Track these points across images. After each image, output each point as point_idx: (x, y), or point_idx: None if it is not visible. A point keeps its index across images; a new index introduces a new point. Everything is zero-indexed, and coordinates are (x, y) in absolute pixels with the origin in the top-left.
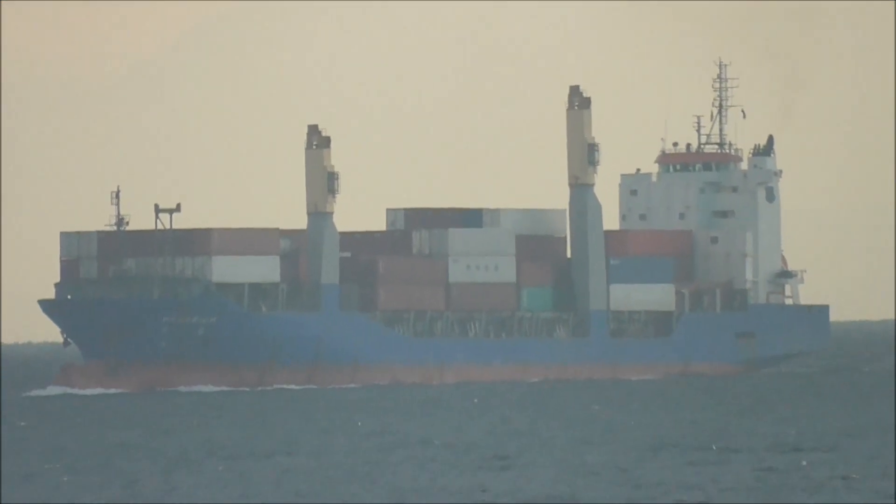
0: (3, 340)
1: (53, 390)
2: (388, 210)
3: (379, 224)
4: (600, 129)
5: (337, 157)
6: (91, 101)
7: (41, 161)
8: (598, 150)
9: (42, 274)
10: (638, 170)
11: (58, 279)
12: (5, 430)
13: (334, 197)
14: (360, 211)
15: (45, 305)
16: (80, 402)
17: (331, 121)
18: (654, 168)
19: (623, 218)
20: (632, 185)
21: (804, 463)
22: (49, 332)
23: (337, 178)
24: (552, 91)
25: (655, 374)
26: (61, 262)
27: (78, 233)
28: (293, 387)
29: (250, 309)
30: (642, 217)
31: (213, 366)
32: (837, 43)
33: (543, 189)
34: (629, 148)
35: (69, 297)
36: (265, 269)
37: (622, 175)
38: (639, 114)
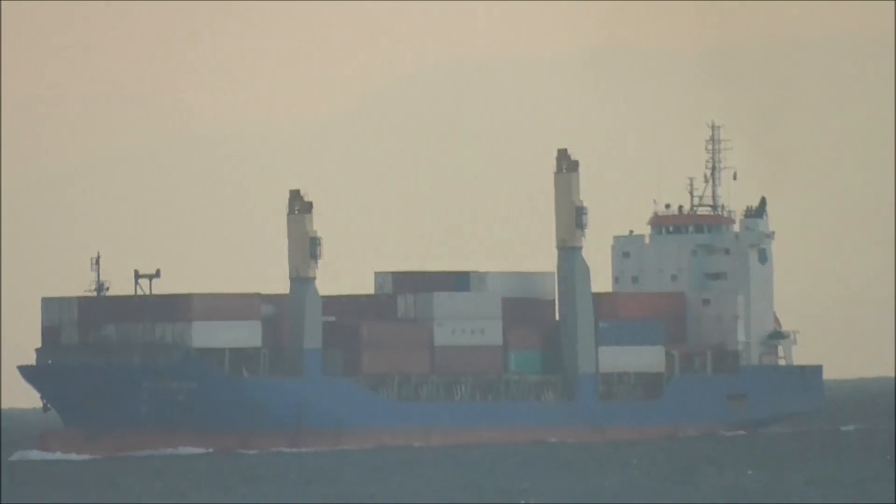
0: None
1: (32, 455)
2: (375, 273)
3: (367, 287)
4: (591, 189)
5: (322, 221)
6: (70, 166)
7: (22, 225)
8: (586, 214)
9: (25, 340)
10: (631, 231)
11: (40, 345)
12: None
13: (317, 262)
14: (347, 274)
15: (25, 371)
16: (52, 469)
17: (314, 185)
18: (647, 230)
19: (616, 280)
20: (624, 247)
21: None
22: (29, 397)
23: (319, 244)
24: (540, 154)
25: (645, 437)
26: (43, 327)
27: (59, 298)
28: (282, 449)
29: (231, 374)
30: (634, 279)
31: (194, 431)
32: (831, 88)
33: (531, 252)
34: (621, 210)
35: (49, 362)
36: (246, 334)
37: (615, 237)
38: (631, 175)
